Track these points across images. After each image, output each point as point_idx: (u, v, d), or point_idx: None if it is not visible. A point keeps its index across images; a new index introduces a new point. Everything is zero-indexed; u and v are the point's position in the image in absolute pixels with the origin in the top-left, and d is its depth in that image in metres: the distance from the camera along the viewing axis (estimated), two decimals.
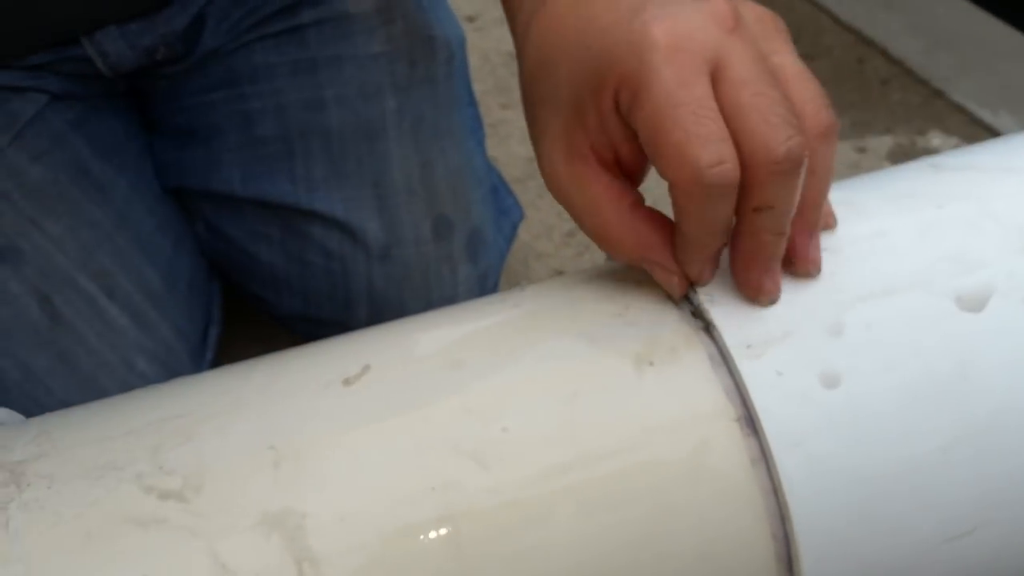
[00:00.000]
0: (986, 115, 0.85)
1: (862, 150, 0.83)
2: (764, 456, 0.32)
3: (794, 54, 0.33)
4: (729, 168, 0.29)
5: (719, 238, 0.32)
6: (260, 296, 0.65)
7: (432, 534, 0.30)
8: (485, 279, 0.64)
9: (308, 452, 0.32)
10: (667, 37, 0.30)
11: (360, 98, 0.58)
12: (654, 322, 0.34)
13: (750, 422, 0.32)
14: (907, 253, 0.34)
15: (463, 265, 0.62)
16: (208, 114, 0.59)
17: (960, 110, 0.84)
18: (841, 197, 0.38)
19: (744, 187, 0.30)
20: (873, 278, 0.34)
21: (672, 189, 0.31)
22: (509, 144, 0.86)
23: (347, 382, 0.34)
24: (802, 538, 0.31)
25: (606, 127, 0.32)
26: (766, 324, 0.33)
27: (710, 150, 0.29)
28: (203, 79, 0.59)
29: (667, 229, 0.33)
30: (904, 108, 0.86)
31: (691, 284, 0.34)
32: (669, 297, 0.35)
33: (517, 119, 0.87)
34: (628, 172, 0.34)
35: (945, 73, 0.88)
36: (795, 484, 0.31)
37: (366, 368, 0.34)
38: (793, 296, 0.33)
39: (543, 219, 0.81)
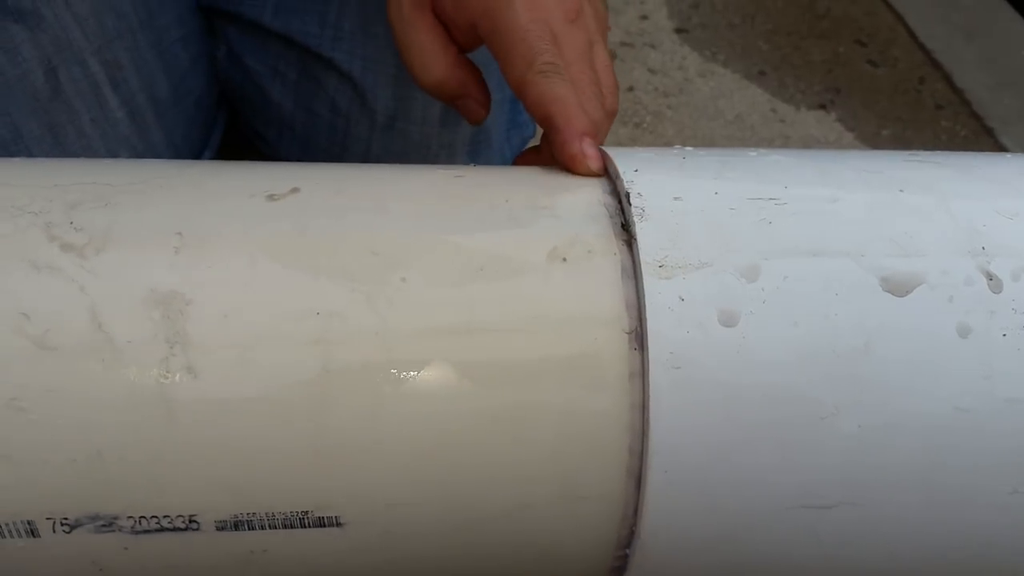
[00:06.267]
0: None
1: None
2: (643, 372, 0.32)
3: (606, 48, 0.44)
4: (561, 66, 0.39)
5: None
6: (262, 134, 0.65)
7: (304, 353, 0.31)
8: None
9: (211, 247, 0.32)
10: (527, 3, 0.39)
11: None
12: (581, 223, 0.34)
13: (640, 337, 0.32)
14: (850, 222, 0.34)
15: (461, 158, 0.62)
16: None
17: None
18: (814, 158, 0.38)
19: None
20: (807, 236, 0.33)
21: (516, 87, 0.39)
22: None
23: (272, 198, 0.34)
24: (655, 458, 0.31)
25: (450, 16, 0.42)
26: (685, 251, 0.33)
27: (549, 52, 0.39)
28: None
29: (478, 75, 0.45)
30: (949, 137, 0.84)
31: (627, 197, 0.34)
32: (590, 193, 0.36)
33: None
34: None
35: (1002, 114, 0.86)
36: (663, 405, 0.31)
37: (295, 190, 0.34)
38: (722, 234, 0.33)
39: None
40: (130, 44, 0.56)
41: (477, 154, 0.63)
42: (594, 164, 0.37)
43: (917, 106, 0.88)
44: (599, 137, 0.39)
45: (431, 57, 0.43)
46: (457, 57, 0.44)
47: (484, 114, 0.45)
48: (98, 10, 0.54)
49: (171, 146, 0.58)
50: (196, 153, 0.62)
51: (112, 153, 0.55)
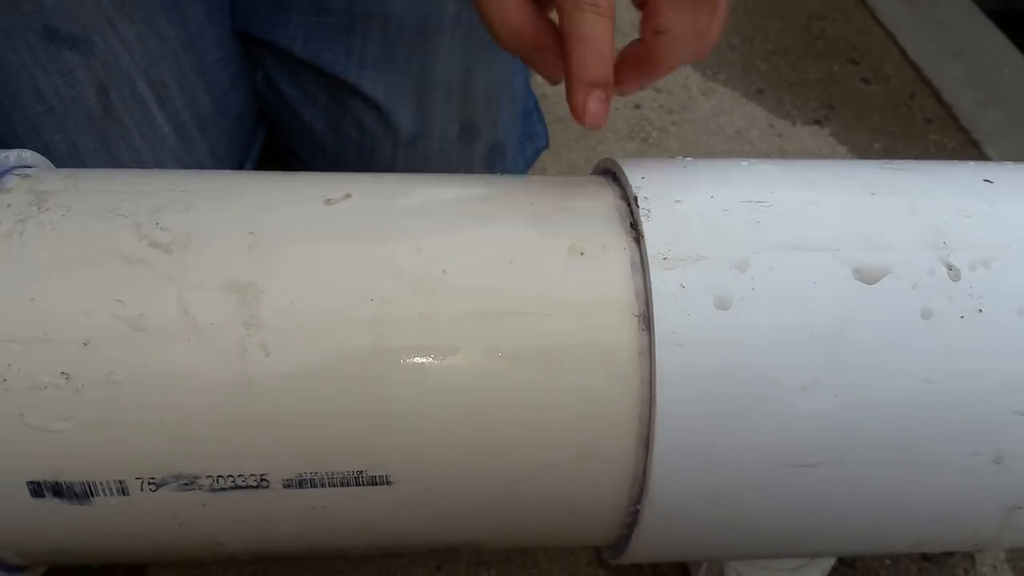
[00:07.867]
0: None
1: None
2: (650, 350, 0.37)
3: None
4: (604, 7, 0.38)
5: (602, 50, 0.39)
6: (296, 152, 0.71)
7: (361, 333, 0.36)
8: None
9: (280, 244, 0.37)
10: None
11: None
12: (596, 223, 0.39)
13: (647, 320, 0.37)
14: (827, 222, 0.39)
15: (479, 170, 0.68)
16: None
17: None
18: (798, 167, 0.43)
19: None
20: (790, 233, 0.38)
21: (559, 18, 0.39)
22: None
23: (328, 202, 0.39)
24: (661, 426, 0.37)
25: None
26: (686, 246, 0.38)
27: None
28: None
29: (555, 31, 0.41)
30: (937, 149, 0.90)
31: (635, 200, 0.39)
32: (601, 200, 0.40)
33: None
34: None
35: (988, 127, 0.91)
36: (667, 378, 0.36)
37: (348, 196, 0.40)
38: (717, 231, 0.38)
39: (573, 159, 0.86)
40: (174, 65, 0.62)
41: (494, 166, 0.69)
42: (591, 120, 0.38)
43: (907, 120, 0.94)
44: (610, 90, 0.40)
45: (508, 6, 0.43)
46: (534, 10, 0.43)
47: (560, 70, 0.42)
48: (143, 35, 0.60)
49: (215, 158, 0.64)
50: (238, 165, 0.68)
51: (160, 165, 0.61)
